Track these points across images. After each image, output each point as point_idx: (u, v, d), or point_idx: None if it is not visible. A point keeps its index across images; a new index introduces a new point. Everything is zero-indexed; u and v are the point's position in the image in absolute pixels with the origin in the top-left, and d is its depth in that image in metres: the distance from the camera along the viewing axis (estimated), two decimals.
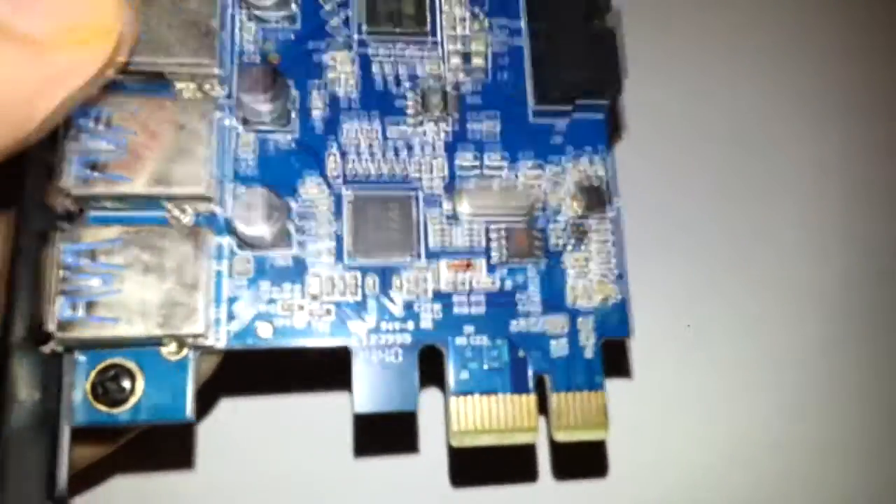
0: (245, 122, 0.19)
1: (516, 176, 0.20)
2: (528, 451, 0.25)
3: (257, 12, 0.19)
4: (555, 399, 0.18)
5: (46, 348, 0.15)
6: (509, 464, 0.25)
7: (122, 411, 0.16)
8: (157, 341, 0.16)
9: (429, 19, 0.20)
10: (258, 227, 0.17)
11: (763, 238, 0.30)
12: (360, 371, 0.18)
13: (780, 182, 0.31)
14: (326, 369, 0.20)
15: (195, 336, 0.16)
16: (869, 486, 0.27)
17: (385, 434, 0.23)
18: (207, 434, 0.21)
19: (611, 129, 0.21)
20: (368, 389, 0.17)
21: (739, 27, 0.33)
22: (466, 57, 0.20)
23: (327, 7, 0.20)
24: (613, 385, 0.19)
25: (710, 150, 0.31)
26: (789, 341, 0.29)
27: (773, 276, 0.29)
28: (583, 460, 0.26)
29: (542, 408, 0.18)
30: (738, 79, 0.32)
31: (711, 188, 0.30)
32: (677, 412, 0.27)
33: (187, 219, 0.17)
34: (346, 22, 0.20)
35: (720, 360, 0.28)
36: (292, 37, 0.20)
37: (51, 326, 0.15)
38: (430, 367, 0.18)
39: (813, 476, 0.27)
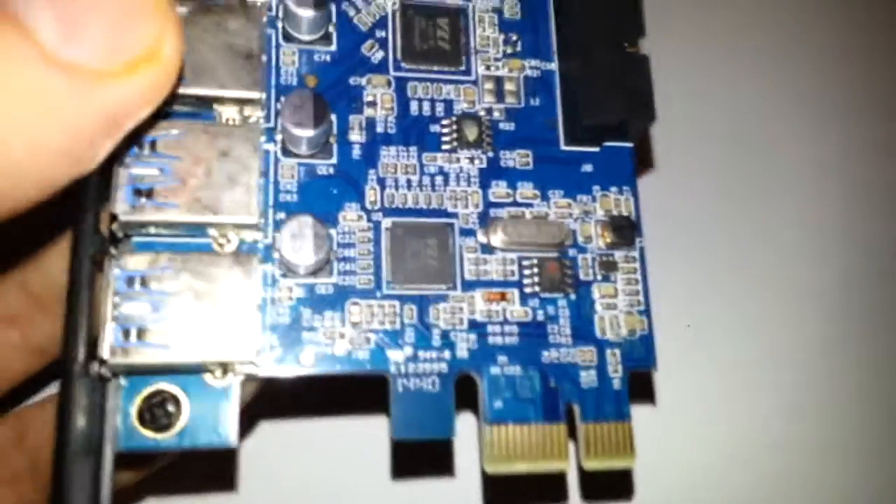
0: (285, 149, 0.19)
1: (547, 207, 0.20)
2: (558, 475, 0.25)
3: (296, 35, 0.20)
4: (584, 429, 0.19)
5: (95, 373, 0.16)
6: (541, 486, 0.25)
7: (166, 437, 0.16)
8: (205, 368, 0.16)
9: (463, 54, 0.21)
10: (305, 256, 0.17)
11: (763, 238, 0.30)
12: (398, 398, 0.18)
13: (779, 182, 0.31)
14: (364, 393, 0.20)
15: (244, 363, 0.16)
16: (869, 486, 0.28)
17: (421, 457, 0.24)
18: (247, 457, 0.21)
19: (637, 160, 0.22)
20: (406, 416, 0.18)
21: (739, 27, 0.33)
22: (499, 88, 0.21)
23: (365, 47, 0.20)
24: None
25: (710, 150, 0.31)
26: (789, 341, 0.29)
27: (773, 276, 0.30)
28: (608, 481, 0.26)
29: (571, 433, 0.19)
30: (738, 79, 0.32)
31: (711, 188, 0.30)
32: (677, 412, 0.27)
33: (231, 246, 0.18)
34: (385, 58, 0.20)
35: (720, 360, 0.28)
36: (328, 59, 0.20)
37: (103, 352, 0.15)
38: (461, 390, 0.18)
39: (813, 476, 0.27)
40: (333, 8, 0.20)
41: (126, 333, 0.16)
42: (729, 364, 0.28)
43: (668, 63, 0.30)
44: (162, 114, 0.17)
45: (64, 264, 0.15)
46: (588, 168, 0.21)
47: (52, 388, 0.22)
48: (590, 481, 0.26)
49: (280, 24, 0.20)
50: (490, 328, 0.19)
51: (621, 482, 0.26)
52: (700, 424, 0.27)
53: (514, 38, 0.22)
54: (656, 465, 0.26)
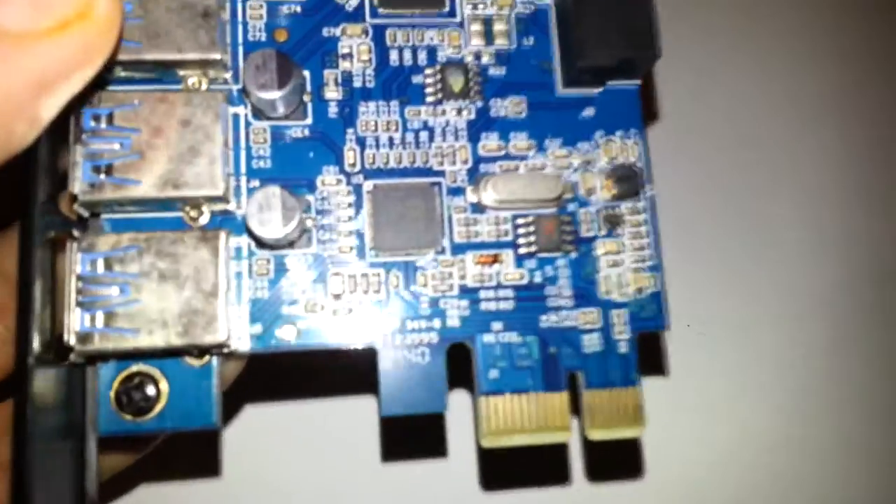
0: (256, 113, 0.18)
1: (544, 159, 0.19)
2: (560, 451, 0.24)
3: None
4: (588, 397, 0.18)
5: (66, 361, 0.15)
6: (541, 466, 0.24)
7: (147, 419, 0.16)
8: (178, 351, 0.16)
9: None
10: (274, 228, 0.16)
11: (763, 238, 0.29)
12: (386, 372, 0.17)
13: (780, 183, 0.30)
14: (353, 372, 0.20)
15: (217, 346, 0.16)
16: (869, 485, 0.27)
17: (413, 438, 0.23)
18: (233, 441, 0.21)
19: (643, 104, 0.20)
20: (395, 391, 0.17)
21: (739, 27, 0.32)
22: (488, 29, 0.19)
23: None
24: None
25: (711, 151, 0.30)
26: (789, 341, 0.28)
27: (774, 277, 0.29)
28: (615, 458, 0.25)
29: (575, 406, 0.18)
30: (739, 79, 0.31)
31: (711, 188, 0.30)
32: (677, 412, 0.27)
33: (204, 218, 0.17)
34: (360, 4, 0.19)
35: (720, 360, 0.28)
36: (299, 10, 0.18)
37: (70, 339, 0.15)
38: (456, 366, 0.17)
39: (813, 476, 0.27)
40: None
41: (92, 318, 0.15)
42: (729, 364, 0.28)
43: (669, 61, 0.29)
44: (120, 81, 0.16)
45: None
46: (589, 112, 0.19)
47: None
48: (596, 460, 0.25)
49: None
50: (483, 293, 0.18)
51: (629, 458, 0.25)
52: (700, 424, 0.27)
53: None
54: (656, 465, 0.26)
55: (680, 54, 0.30)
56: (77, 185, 0.15)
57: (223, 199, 0.16)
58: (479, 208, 0.18)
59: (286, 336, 0.17)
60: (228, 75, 0.17)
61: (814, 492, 0.27)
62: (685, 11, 0.31)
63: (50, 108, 0.14)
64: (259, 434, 0.22)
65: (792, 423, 0.27)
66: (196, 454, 0.21)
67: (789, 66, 0.32)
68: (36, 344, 0.14)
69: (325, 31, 0.19)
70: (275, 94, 0.17)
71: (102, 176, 0.16)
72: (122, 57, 0.16)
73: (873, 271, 0.30)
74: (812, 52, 0.32)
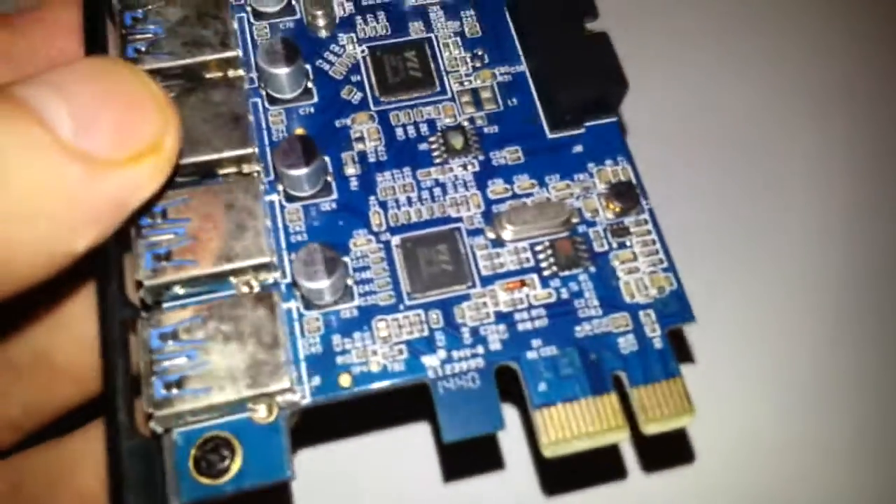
0: (288, 195, 0.20)
1: (548, 193, 0.21)
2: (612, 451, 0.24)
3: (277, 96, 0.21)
4: (636, 394, 0.18)
5: (146, 430, 0.16)
6: (596, 464, 0.24)
7: (225, 481, 0.17)
8: (247, 404, 0.17)
9: (436, 76, 0.22)
10: (321, 280, 0.18)
11: (764, 237, 0.30)
12: (442, 401, 0.18)
13: (781, 181, 0.31)
14: (397, 404, 0.20)
15: (283, 391, 0.17)
16: (869, 485, 0.27)
17: (469, 456, 0.23)
18: (301, 488, 0.21)
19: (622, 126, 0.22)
20: (453, 417, 0.18)
21: (740, 23, 0.33)
22: (476, 98, 0.22)
23: (344, 93, 0.22)
24: None
25: (711, 149, 0.31)
26: (790, 341, 0.28)
27: (775, 276, 0.29)
28: (667, 447, 0.25)
29: (623, 405, 0.18)
30: (740, 76, 0.32)
31: (711, 188, 0.30)
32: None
33: (254, 291, 0.18)
34: (364, 97, 0.22)
35: (721, 360, 0.28)
36: (312, 110, 0.21)
37: (149, 408, 0.16)
38: (502, 384, 0.18)
39: (813, 476, 0.26)
40: (309, 67, 0.22)
41: (168, 386, 0.16)
42: (729, 364, 0.28)
43: (669, 63, 0.32)
44: (169, 185, 0.19)
45: (44, 332, 0.16)
46: (578, 149, 0.21)
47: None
48: (647, 452, 0.25)
49: (263, 91, 0.21)
50: (517, 316, 0.19)
51: (680, 448, 0.25)
52: (700, 424, 0.26)
53: (480, 52, 0.23)
54: (655, 464, 0.26)
55: (682, 49, 0.31)
56: (142, 272, 0.17)
57: (270, 266, 0.18)
58: (498, 243, 0.20)
59: (344, 383, 0.18)
60: (260, 167, 0.20)
61: (814, 492, 0.26)
62: (688, 4, 0.32)
63: (121, 219, 0.16)
64: (325, 477, 0.22)
65: (791, 423, 0.27)
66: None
67: (794, 58, 0.32)
68: (123, 416, 0.15)
69: (338, 123, 0.21)
70: (302, 171, 0.19)
71: (163, 262, 0.18)
72: None
73: (875, 271, 0.30)
74: (816, 47, 0.33)
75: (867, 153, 0.32)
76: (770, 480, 0.26)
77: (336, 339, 0.18)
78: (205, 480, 0.17)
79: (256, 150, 0.20)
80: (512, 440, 0.23)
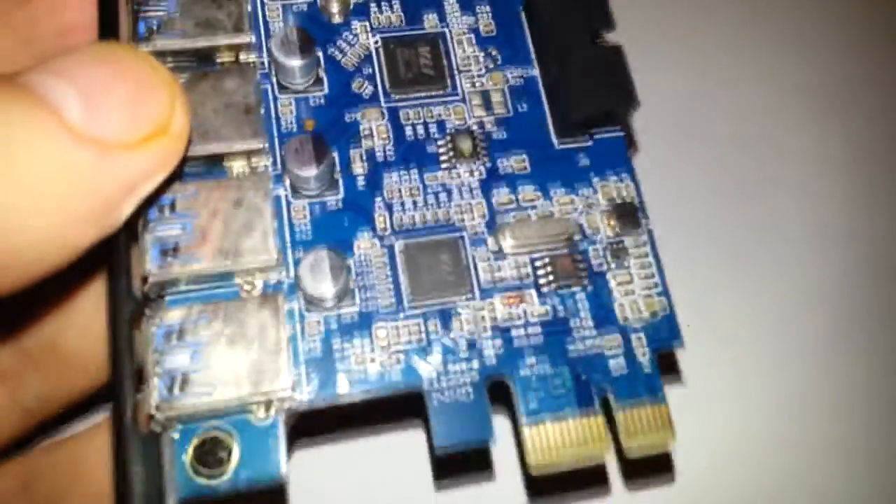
0: (294, 190, 0.20)
1: (551, 205, 0.21)
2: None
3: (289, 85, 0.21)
4: (621, 416, 0.19)
5: (146, 430, 0.16)
6: (581, 477, 0.25)
7: (221, 481, 0.17)
8: (248, 406, 0.17)
9: (447, 75, 0.22)
10: (325, 287, 0.18)
11: (763, 238, 0.30)
12: (436, 411, 0.18)
13: (780, 181, 0.31)
14: (388, 411, 0.21)
15: (283, 394, 0.17)
16: (869, 485, 0.27)
17: (460, 465, 0.24)
18: (296, 488, 0.21)
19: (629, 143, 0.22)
20: (446, 427, 0.18)
21: (740, 25, 0.33)
22: (487, 101, 0.22)
23: (355, 85, 0.21)
24: None
25: (711, 149, 0.31)
26: (789, 341, 0.29)
27: (774, 276, 0.30)
28: (649, 467, 0.26)
29: (609, 426, 0.19)
30: (738, 78, 0.32)
31: (711, 187, 0.31)
32: (677, 412, 0.27)
33: (257, 290, 0.19)
34: (374, 92, 0.21)
35: (721, 360, 0.28)
36: (323, 101, 0.21)
37: (151, 408, 0.16)
38: (493, 393, 0.19)
39: (813, 476, 0.27)
40: (321, 54, 0.21)
41: (170, 386, 0.17)
42: (729, 364, 0.28)
43: (669, 62, 0.31)
44: (177, 176, 0.19)
45: (55, 323, 0.16)
46: (584, 161, 0.22)
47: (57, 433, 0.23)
48: (630, 469, 0.26)
49: (274, 79, 0.21)
50: (514, 331, 0.20)
51: (661, 467, 0.26)
52: (700, 424, 0.27)
53: (493, 52, 0.22)
54: (655, 464, 0.26)
55: (683, 49, 0.31)
56: (149, 266, 0.17)
57: (276, 266, 0.18)
58: (500, 255, 0.20)
59: (341, 388, 0.18)
60: (269, 161, 0.20)
61: (814, 492, 0.27)
62: (688, 5, 0.32)
63: (131, 206, 0.16)
64: (317, 477, 0.23)
65: (791, 423, 0.27)
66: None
67: (792, 60, 0.32)
68: (128, 414, 0.15)
69: (347, 117, 0.21)
70: (312, 172, 0.19)
71: (170, 258, 0.18)
72: None
73: (875, 270, 0.30)
74: (815, 47, 0.33)
75: (867, 154, 0.32)
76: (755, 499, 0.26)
77: (336, 342, 0.19)
78: (201, 479, 0.17)
79: (267, 145, 0.19)
80: (502, 449, 0.23)
